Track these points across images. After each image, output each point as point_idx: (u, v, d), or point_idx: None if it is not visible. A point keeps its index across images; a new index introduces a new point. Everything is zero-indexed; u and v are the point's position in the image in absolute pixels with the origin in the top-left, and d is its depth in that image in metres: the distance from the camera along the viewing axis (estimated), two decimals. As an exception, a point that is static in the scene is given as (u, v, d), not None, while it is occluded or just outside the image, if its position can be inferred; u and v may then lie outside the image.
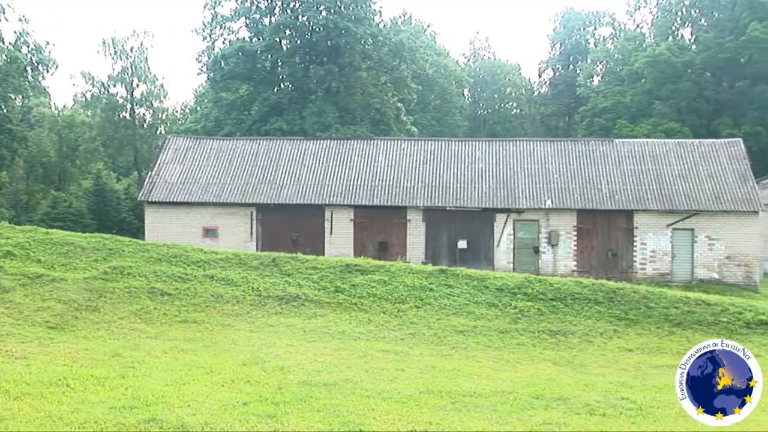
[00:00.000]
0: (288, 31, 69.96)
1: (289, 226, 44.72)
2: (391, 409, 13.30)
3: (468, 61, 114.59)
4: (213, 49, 72.85)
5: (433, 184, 45.09)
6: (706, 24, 75.76)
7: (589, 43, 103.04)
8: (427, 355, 20.11)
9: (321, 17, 67.53)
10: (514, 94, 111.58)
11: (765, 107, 71.15)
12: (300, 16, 69.29)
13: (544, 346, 22.23)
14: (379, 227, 44.43)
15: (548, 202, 43.63)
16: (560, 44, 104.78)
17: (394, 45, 71.86)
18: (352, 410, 13.11)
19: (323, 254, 40.89)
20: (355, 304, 24.82)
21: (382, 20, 74.48)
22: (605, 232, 43.48)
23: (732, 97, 73.75)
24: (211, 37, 73.39)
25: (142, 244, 29.66)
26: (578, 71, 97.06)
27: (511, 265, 43.19)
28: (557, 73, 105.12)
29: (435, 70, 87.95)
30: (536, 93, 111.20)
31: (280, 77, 73.09)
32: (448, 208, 43.92)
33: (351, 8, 67.89)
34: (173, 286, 25.22)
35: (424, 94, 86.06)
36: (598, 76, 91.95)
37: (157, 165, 47.54)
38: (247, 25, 71.76)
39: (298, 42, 70.45)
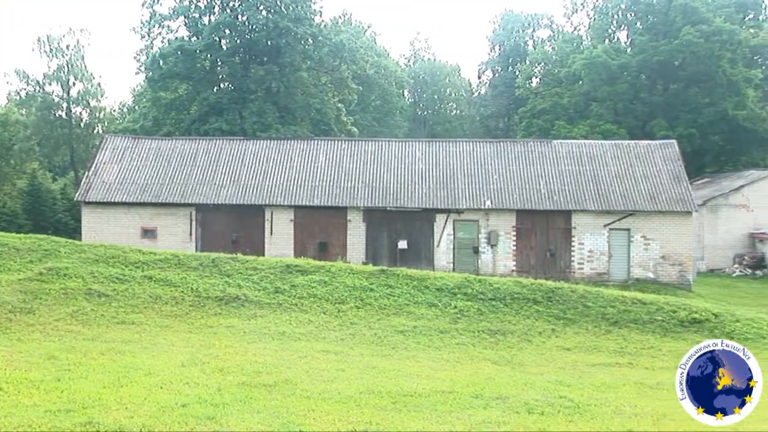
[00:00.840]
0: (228, 31, 69.50)
1: (229, 227, 44.44)
2: (332, 410, 13.28)
3: (408, 62, 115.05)
4: (151, 48, 72.03)
5: (374, 184, 45.14)
6: (641, 27, 77.00)
7: (527, 45, 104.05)
8: (368, 355, 20.11)
9: (261, 17, 67.22)
10: (454, 95, 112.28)
11: (698, 109, 72.58)
12: (240, 16, 68.90)
13: (484, 345, 22.36)
14: (319, 228, 44.36)
15: (488, 202, 43.95)
16: (499, 46, 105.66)
17: (335, 45, 71.83)
18: (292, 411, 13.06)
19: (263, 255, 40.65)
20: (295, 304, 24.74)
21: (322, 21, 74.35)
22: (544, 232, 43.93)
23: (666, 99, 75.11)
24: (149, 35, 72.54)
25: (79, 244, 29.22)
26: (517, 73, 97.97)
27: (451, 265, 43.42)
28: (496, 75, 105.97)
29: (375, 70, 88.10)
30: (476, 94, 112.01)
31: (220, 77, 72.58)
32: (388, 209, 44.00)
33: (291, 8, 67.69)
34: (111, 287, 24.89)
35: (365, 94, 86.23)
36: (536, 77, 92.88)
37: (94, 165, 46.87)
38: (186, 24, 71.08)
39: (238, 41, 70.03)
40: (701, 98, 72.86)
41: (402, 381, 16.48)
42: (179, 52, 68.20)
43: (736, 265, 56.41)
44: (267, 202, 44.42)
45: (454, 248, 44.13)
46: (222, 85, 72.27)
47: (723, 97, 71.89)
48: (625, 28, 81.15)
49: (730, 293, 45.68)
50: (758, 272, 55.01)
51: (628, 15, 79.65)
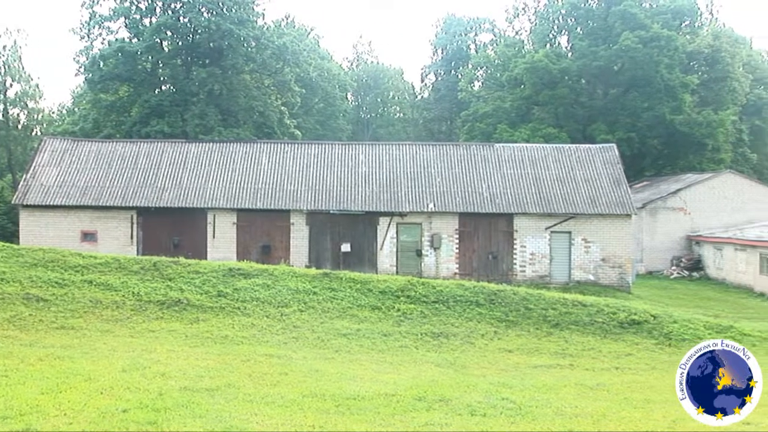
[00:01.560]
0: (169, 33, 68.86)
1: (171, 230, 44.05)
2: (275, 414, 13.24)
3: (351, 65, 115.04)
4: (91, 50, 70.98)
5: (317, 187, 45.09)
6: (581, 32, 77.94)
7: (470, 49, 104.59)
8: (311, 358, 20.08)
9: (203, 19, 66.70)
10: (397, 98, 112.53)
11: (637, 114, 73.69)
12: (181, 18, 68.30)
13: (427, 348, 22.46)
14: (262, 231, 44.18)
15: (431, 205, 44.14)
16: (442, 50, 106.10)
17: (278, 48, 71.50)
18: (235, 415, 13.00)
19: (206, 258, 40.42)
20: (238, 308, 24.61)
21: (265, 23, 74.00)
22: (486, 235, 44.24)
23: (606, 103, 76.17)
24: (89, 36, 71.42)
25: (17, 248, 28.74)
26: (460, 76, 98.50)
27: (395, 268, 43.53)
28: (439, 78, 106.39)
29: (318, 73, 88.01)
30: (419, 97, 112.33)
31: (161, 79, 71.85)
32: (331, 212, 43.97)
33: (233, 10, 67.32)
34: (50, 291, 24.53)
35: (308, 97, 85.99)
36: (479, 81, 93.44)
37: (32, 167, 46.12)
38: (126, 26, 70.21)
39: (180, 43, 69.45)
40: (640, 103, 73.96)
41: (345, 384, 16.49)
42: (120, 54, 67.36)
43: (673, 267, 57.34)
44: (209, 205, 44.12)
45: (397, 251, 44.24)
46: (163, 87, 71.57)
47: (661, 101, 73.06)
48: (566, 33, 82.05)
49: (668, 295, 46.45)
50: (695, 274, 55.98)
51: (569, 20, 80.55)
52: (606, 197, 44.70)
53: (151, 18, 69.62)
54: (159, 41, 68.61)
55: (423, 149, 48.43)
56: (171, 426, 12.16)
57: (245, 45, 68.79)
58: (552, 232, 44.08)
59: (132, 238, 44.05)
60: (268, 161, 46.68)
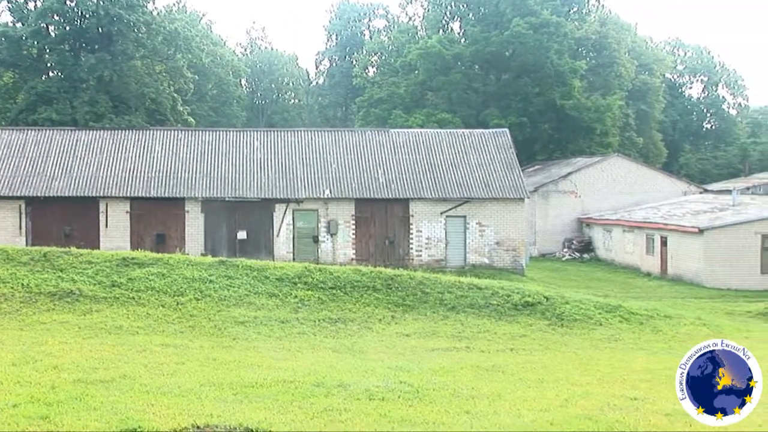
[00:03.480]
0: (56, 17, 66.92)
1: (62, 220, 42.99)
2: (172, 404, 13.10)
3: (245, 51, 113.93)
4: (-27, 34, 68.59)
5: (212, 174, 44.62)
6: (473, 18, 78.90)
7: (364, 35, 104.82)
8: (208, 347, 19.93)
9: (91, 3, 65.02)
10: (291, 84, 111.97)
11: (528, 99, 75.06)
12: (68, 2, 66.40)
13: (325, 334, 22.52)
14: (156, 219, 43.53)
15: (327, 191, 44.15)
16: (336, 35, 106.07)
17: (169, 34, 70.33)
18: (131, 407, 12.82)
19: (98, 248, 39.52)
20: (132, 298, 24.21)
21: (155, 8, 72.59)
22: (383, 221, 44.49)
23: (498, 89, 77.35)
24: (-30, 21, 69.05)
25: None
26: (354, 62, 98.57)
27: (291, 254, 43.42)
28: (334, 64, 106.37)
29: (211, 59, 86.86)
30: (314, 83, 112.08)
31: (48, 65, 69.80)
32: (227, 199, 43.59)
33: (123, -5, 65.88)
34: (-67, 285, 23.71)
35: (201, 84, 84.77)
36: (373, 67, 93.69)
37: None
38: (9, 9, 68.01)
39: (67, 28, 67.57)
40: (531, 88, 75.34)
41: (243, 372, 16.42)
42: (3, 39, 65.21)
43: (565, 249, 58.73)
44: (101, 194, 43.23)
45: (293, 238, 44.14)
46: (51, 74, 69.57)
47: (551, 87, 74.58)
48: (458, 19, 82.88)
49: (560, 276, 47.60)
50: (585, 256, 57.47)
51: (461, 6, 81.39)
52: (499, 181, 45.41)
53: (36, 2, 67.59)
54: (45, 26, 66.66)
55: (318, 135, 48.38)
56: (64, 420, 11.93)
57: (135, 30, 67.32)
58: (447, 216, 44.59)
59: (20, 228, 42.84)
60: (162, 149, 45.96)
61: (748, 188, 65.92)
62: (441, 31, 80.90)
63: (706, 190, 64.09)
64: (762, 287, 42.59)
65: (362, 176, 45.24)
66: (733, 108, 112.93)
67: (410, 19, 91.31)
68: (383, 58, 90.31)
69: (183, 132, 48.89)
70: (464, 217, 44.69)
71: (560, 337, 23.42)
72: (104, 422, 11.80)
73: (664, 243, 47.99)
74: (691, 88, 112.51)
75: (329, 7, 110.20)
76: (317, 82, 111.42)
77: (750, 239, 43.99)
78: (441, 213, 44.59)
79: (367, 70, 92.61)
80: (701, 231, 44.42)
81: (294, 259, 42.08)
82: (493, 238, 44.68)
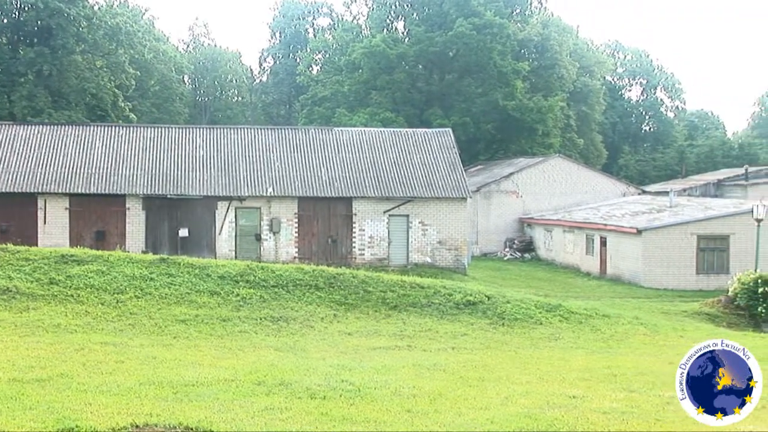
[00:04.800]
0: (-7, 10, 65.81)
1: (-2, 216, 42.27)
2: (110, 403, 12.97)
3: (188, 47, 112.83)
4: None
5: (154, 171, 44.18)
6: (417, 18, 79.19)
7: (308, 33, 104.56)
8: (148, 345, 19.75)
9: (30, -4, 64.03)
10: (235, 81, 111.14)
11: (471, 99, 75.54)
12: (7, -6, 65.38)
13: (267, 332, 22.45)
14: (96, 216, 42.99)
15: (270, 189, 43.98)
16: (280, 33, 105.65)
17: (111, 28, 69.44)
18: (68, 406, 12.65)
19: (36, 245, 38.90)
20: (71, 296, 23.89)
21: (96, 2, 71.64)
22: (325, 219, 44.44)
23: (442, 89, 77.74)
24: None
25: None
26: (298, 60, 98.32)
27: (234, 252, 43.17)
28: (278, 62, 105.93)
29: (154, 55, 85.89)
30: (257, 81, 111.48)
31: (-16, 58, 68.59)
32: (169, 196, 43.19)
33: (63, -12, 64.90)
34: None
35: (143, 80, 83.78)
36: (317, 65, 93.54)
37: None
38: (-54, 2, 66.71)
39: (5, 21, 66.46)
40: (474, 88, 75.83)
41: (183, 371, 16.31)
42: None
43: (507, 249, 59.21)
44: (40, 190, 42.56)
45: (236, 236, 43.90)
46: (-13, 68, 68.35)
47: (494, 87, 75.16)
48: (403, 18, 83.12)
49: (502, 276, 47.98)
50: (527, 255, 58.01)
51: (405, 6, 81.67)
52: (442, 181, 45.63)
53: (-28, -6, 66.34)
54: (-19, 19, 65.49)
55: (262, 133, 48.17)
56: (-1, 419, 11.74)
57: (76, 24, 66.36)
58: (390, 215, 44.69)
59: (-45, 225, 42.01)
60: (103, 145, 45.38)
61: (684, 190, 67.09)
62: (385, 30, 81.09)
63: (644, 192, 65.08)
64: (697, 287, 43.39)
65: (305, 174, 45.14)
66: (670, 111, 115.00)
67: (355, 18, 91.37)
68: (327, 56, 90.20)
69: (124, 128, 48.37)
70: (407, 216, 44.83)
71: (501, 336, 23.62)
72: (40, 422, 11.63)
73: (603, 243, 48.64)
74: (630, 90, 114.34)
75: (273, 5, 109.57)
76: (261, 80, 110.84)
77: (686, 240, 44.78)
78: (384, 212, 44.67)
79: (311, 69, 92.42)
80: (639, 232, 45.10)
81: (236, 257, 41.84)
82: (435, 238, 44.89)
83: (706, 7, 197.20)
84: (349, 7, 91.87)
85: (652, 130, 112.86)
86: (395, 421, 12.65)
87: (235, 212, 43.89)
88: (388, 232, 44.75)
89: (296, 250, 44.12)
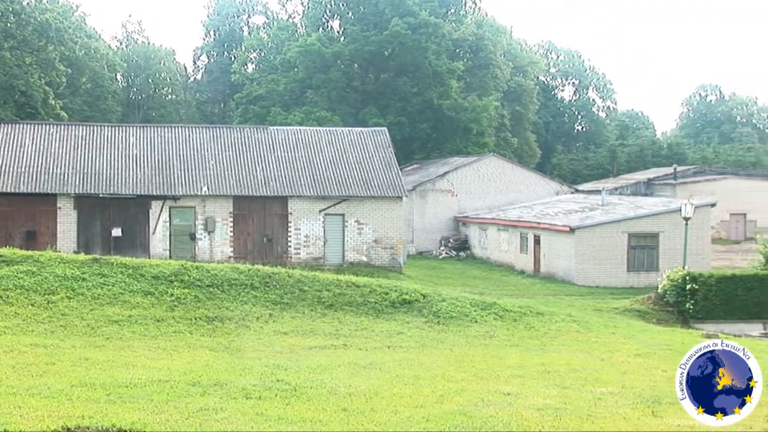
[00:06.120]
0: None
1: (-77, 216, 41.29)
2: (41, 406, 12.76)
3: (121, 44, 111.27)
4: None
5: (86, 170, 43.54)
6: (353, 17, 79.23)
7: (243, 31, 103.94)
8: (80, 347, 19.47)
9: (-45, -9, 62.60)
10: (169, 79, 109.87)
11: (407, 98, 75.86)
12: (-68, -12, 63.79)
13: (201, 332, 22.28)
14: (26, 216, 42.22)
15: (204, 188, 43.64)
16: (214, 31, 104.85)
17: (40, 24, 68.09)
18: (-2, 409, 12.42)
19: (-37, 246, 38.13)
20: (0, 297, 23.43)
21: (26, -3, 70.30)
22: (261, 218, 44.25)
23: (378, 88, 77.88)
24: None
25: None
26: (233, 58, 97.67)
27: (168, 252, 42.75)
28: (212, 60, 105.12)
29: (85, 52, 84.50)
30: (192, 79, 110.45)
31: None
32: (101, 195, 42.60)
33: (-10, -17, 63.58)
34: None
35: (74, 77, 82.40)
36: (252, 64, 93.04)
37: None
38: None
39: (-72, 16, 64.83)
40: (410, 88, 76.15)
41: (116, 372, 16.12)
42: None
43: (442, 248, 59.55)
44: (-34, 190, 41.70)
45: (170, 235, 43.49)
46: None
47: (429, 87, 75.59)
48: (338, 17, 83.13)
49: (437, 274, 48.23)
50: (462, 254, 58.40)
51: (341, 5, 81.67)
52: (378, 180, 45.74)
53: None
54: None
55: (196, 132, 47.80)
56: (-76, 425, 11.47)
57: (4, 20, 64.99)
58: (326, 214, 44.66)
59: None
60: (32, 143, 44.58)
61: (616, 188, 68.33)
62: (321, 29, 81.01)
63: (577, 190, 66.04)
64: (628, 284, 44.11)
65: (241, 174, 44.89)
66: (602, 111, 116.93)
67: (290, 16, 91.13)
68: (262, 55, 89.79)
69: (55, 126, 47.57)
70: (343, 215, 44.84)
71: (437, 335, 23.75)
72: (-33, 427, 11.40)
73: (537, 242, 49.17)
74: (563, 90, 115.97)
75: (207, 3, 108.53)
76: (195, 78, 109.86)
77: (617, 238, 45.48)
78: (320, 211, 44.63)
79: (246, 67, 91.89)
80: (572, 230, 45.69)
81: (170, 256, 41.40)
82: (371, 236, 44.97)
83: (635, 8, 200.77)
84: (284, 6, 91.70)
85: (584, 129, 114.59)
86: (331, 420, 12.65)
87: (170, 211, 43.47)
88: (324, 231, 44.71)
89: (231, 249, 43.85)
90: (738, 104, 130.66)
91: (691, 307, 33.75)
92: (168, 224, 43.45)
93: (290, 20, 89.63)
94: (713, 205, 49.94)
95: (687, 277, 34.16)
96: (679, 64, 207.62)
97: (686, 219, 39.57)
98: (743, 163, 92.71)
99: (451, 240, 59.91)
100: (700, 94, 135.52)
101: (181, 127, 49.63)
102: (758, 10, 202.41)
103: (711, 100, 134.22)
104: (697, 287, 33.83)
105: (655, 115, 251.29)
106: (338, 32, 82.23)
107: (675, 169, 73.94)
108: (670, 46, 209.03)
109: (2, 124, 47.27)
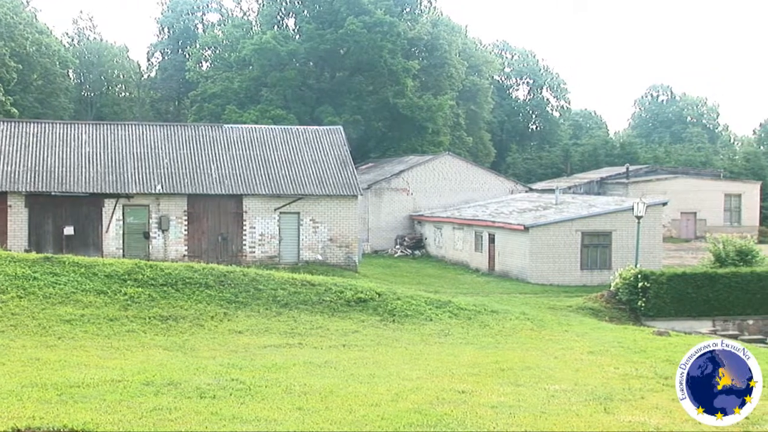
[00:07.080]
0: None
1: None
2: (-9, 407, 12.61)
3: (73, 41, 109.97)
4: None
5: (37, 168, 42.96)
6: (308, 15, 79.04)
7: (197, 29, 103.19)
8: (31, 347, 19.26)
9: None
10: (122, 77, 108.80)
11: (362, 97, 75.89)
12: None
13: (155, 331, 22.16)
14: (-25, 214, 41.57)
15: (158, 187, 43.30)
16: (168, 28, 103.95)
17: (-10, 20, 67.28)
18: (-54, 411, 12.25)
19: None
20: (-51, 297, 23.09)
21: (-25, -7, 69.33)
22: (216, 217, 44.01)
23: (333, 86, 77.82)
24: None
25: None
26: (187, 56, 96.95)
27: (121, 251, 42.35)
28: (166, 57, 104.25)
29: (36, 48, 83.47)
30: (146, 77, 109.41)
31: None
32: (53, 194, 42.08)
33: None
34: None
35: (25, 74, 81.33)
36: (207, 61, 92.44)
37: None
38: None
39: None
40: (365, 86, 76.20)
41: (68, 372, 15.97)
42: None
43: (397, 246, 59.65)
44: None
45: (123, 234, 43.08)
46: None
47: (385, 85, 75.67)
48: (293, 15, 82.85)
49: (393, 273, 48.32)
50: (417, 252, 58.54)
51: (296, 3, 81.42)
52: (333, 179, 45.71)
53: None
54: None
55: (150, 130, 47.38)
56: None
57: (-47, 16, 64.15)
58: (281, 213, 44.54)
59: None
60: (-18, 140, 43.92)
61: (569, 187, 68.91)
62: (276, 27, 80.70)
63: (531, 189, 66.52)
64: (581, 282, 44.51)
65: (195, 172, 44.61)
66: (556, 110, 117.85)
67: (245, 14, 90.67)
68: (217, 52, 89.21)
69: (5, 123, 46.86)
70: (298, 213, 44.75)
71: (392, 333, 23.83)
72: None
73: (491, 240, 49.42)
74: (517, 90, 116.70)
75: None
76: (149, 75, 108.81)
77: (571, 236, 45.87)
78: (275, 209, 44.49)
79: (200, 65, 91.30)
80: (526, 229, 45.99)
81: (124, 255, 41.02)
82: (326, 235, 44.94)
83: (589, 7, 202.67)
84: (239, 3, 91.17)
85: (538, 128, 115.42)
86: (286, 419, 12.65)
87: (123, 210, 43.07)
88: (279, 229, 44.60)
89: (186, 248, 43.56)
90: (688, 104, 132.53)
91: (643, 304, 34.20)
92: (121, 223, 43.05)
93: (245, 18, 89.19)
94: (665, 204, 50.67)
95: (639, 276, 34.60)
96: (631, 64, 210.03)
97: (638, 218, 40.03)
98: (693, 162, 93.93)
99: (406, 239, 60.04)
100: (651, 95, 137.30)
101: (135, 124, 49.17)
102: (709, 11, 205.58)
103: (662, 101, 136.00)
104: (648, 285, 34.30)
105: (608, 115, 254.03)
106: (293, 30, 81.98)
107: (627, 168, 74.75)
108: (623, 46, 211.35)
109: (-49, 121, 46.53)
